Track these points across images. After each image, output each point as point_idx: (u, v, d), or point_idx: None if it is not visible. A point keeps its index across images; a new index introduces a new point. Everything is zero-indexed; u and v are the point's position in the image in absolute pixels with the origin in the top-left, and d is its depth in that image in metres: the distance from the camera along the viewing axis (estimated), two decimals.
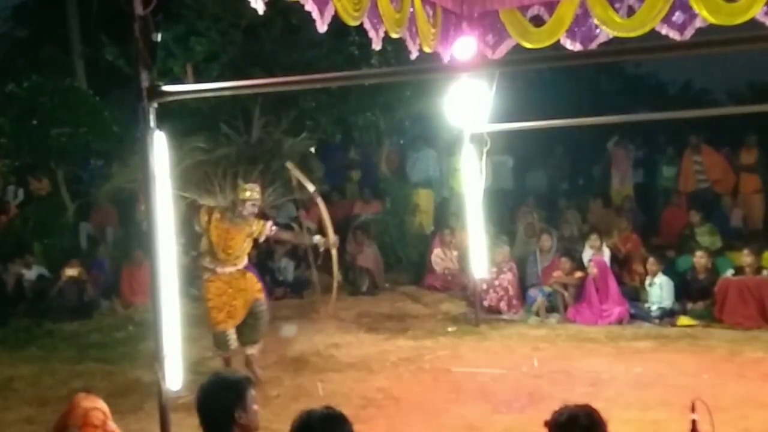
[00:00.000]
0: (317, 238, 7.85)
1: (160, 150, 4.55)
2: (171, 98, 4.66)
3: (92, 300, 11.05)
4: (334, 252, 7.77)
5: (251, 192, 7.30)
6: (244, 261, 7.56)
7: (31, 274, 11.49)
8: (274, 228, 7.61)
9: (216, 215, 7.35)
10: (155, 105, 4.51)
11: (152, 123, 4.51)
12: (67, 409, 3.16)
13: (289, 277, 11.91)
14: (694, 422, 3.54)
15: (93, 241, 13.10)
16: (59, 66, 14.72)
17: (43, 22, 18.05)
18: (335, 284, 8.25)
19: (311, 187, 7.80)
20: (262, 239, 7.63)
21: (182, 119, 12.96)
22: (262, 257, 12.03)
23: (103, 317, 10.81)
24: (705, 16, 7.95)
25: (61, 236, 12.83)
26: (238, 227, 7.36)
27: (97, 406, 3.18)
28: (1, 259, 11.61)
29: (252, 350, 7.58)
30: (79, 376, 8.10)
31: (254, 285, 7.60)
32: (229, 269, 7.41)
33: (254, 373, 7.36)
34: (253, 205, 7.36)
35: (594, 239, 10.56)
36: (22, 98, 12.71)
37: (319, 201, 7.89)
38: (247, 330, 7.52)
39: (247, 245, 7.52)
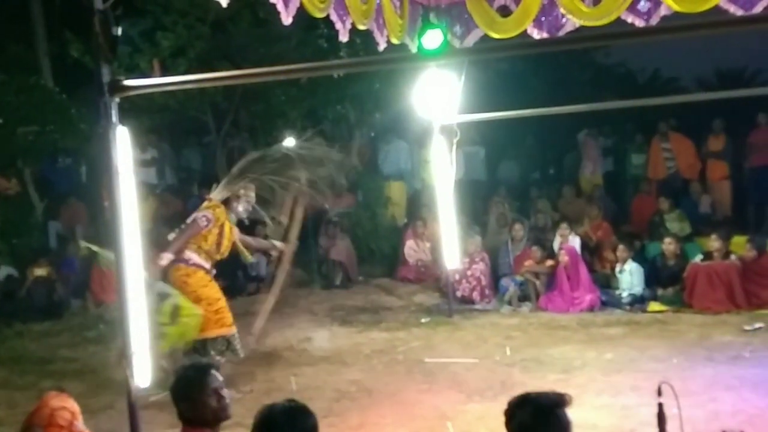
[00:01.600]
0: (279, 245, 7.77)
1: (123, 145, 4.50)
2: (133, 92, 4.62)
3: (62, 299, 10.94)
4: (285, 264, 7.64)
5: (251, 190, 7.24)
6: None
7: None
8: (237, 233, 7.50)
9: (227, 215, 7.20)
10: (117, 100, 4.46)
11: (114, 118, 4.46)
12: (35, 408, 3.12)
13: (262, 272, 11.84)
14: (660, 405, 3.56)
15: (63, 240, 12.95)
16: (24, 63, 14.48)
17: (7, 20, 17.77)
18: (269, 301, 7.98)
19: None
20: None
21: (150, 116, 12.87)
22: (234, 252, 11.94)
23: (74, 317, 10.69)
24: (669, 3, 8.00)
25: (30, 235, 12.65)
26: (231, 227, 7.28)
27: (65, 405, 3.14)
28: None
29: None
30: (49, 376, 8.01)
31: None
32: (212, 271, 7.26)
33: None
34: (248, 203, 7.31)
35: (563, 228, 10.64)
36: None
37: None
38: None
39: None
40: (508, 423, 2.85)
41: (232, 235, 7.34)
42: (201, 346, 6.97)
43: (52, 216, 13.49)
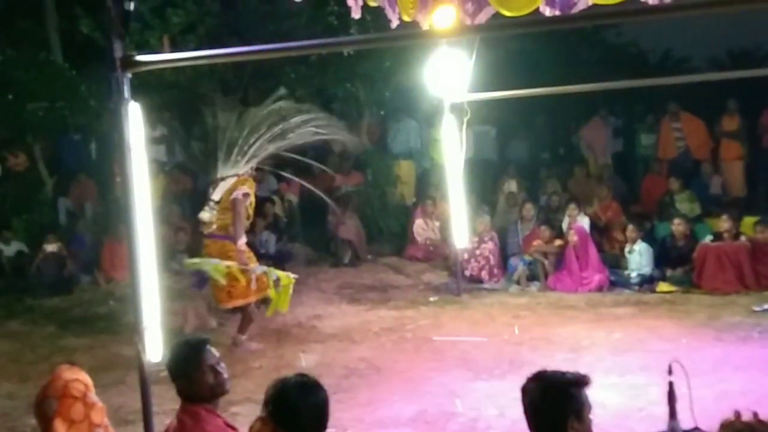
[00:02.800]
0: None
1: (135, 121, 4.49)
2: (145, 68, 4.60)
3: (72, 275, 10.99)
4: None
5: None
6: None
7: (9, 250, 11.42)
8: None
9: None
10: (129, 75, 4.44)
11: (126, 94, 4.44)
12: (48, 381, 3.14)
13: (271, 250, 11.87)
14: (670, 384, 3.57)
15: (72, 216, 12.99)
16: (34, 39, 14.46)
17: None
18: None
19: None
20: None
21: (160, 93, 12.85)
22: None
23: (84, 292, 10.76)
24: None
25: (40, 212, 12.70)
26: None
27: (78, 377, 3.15)
28: None
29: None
30: (60, 351, 8.08)
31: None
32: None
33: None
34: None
35: (572, 208, 10.62)
36: None
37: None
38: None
39: None
40: (523, 399, 2.85)
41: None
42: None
43: (62, 192, 13.53)
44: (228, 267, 7.33)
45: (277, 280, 7.50)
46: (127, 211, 4.50)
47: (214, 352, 3.43)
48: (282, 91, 8.30)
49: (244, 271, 7.36)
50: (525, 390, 2.84)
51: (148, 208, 4.61)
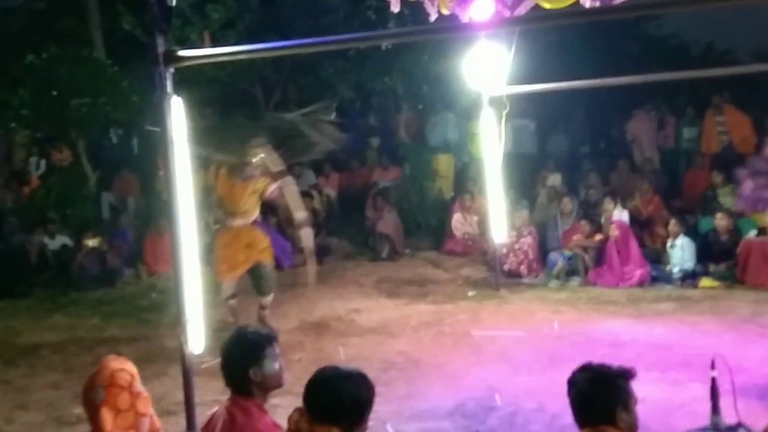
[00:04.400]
0: (301, 215, 7.96)
1: (177, 116, 4.55)
2: (187, 63, 4.66)
3: (115, 268, 11.16)
4: (305, 232, 7.93)
5: (253, 156, 7.57)
6: (253, 216, 7.87)
7: (54, 244, 11.63)
8: (275, 190, 7.76)
9: (223, 170, 7.74)
10: (171, 70, 4.51)
11: (169, 88, 4.51)
12: (96, 370, 3.19)
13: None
14: (713, 379, 3.52)
15: (115, 211, 13.21)
16: (77, 37, 14.72)
17: None
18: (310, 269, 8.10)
19: (278, 169, 7.76)
20: (266, 196, 7.82)
21: (200, 88, 12.98)
22: (283, 225, 12.06)
23: (127, 285, 10.94)
24: None
25: (83, 206, 12.93)
26: (243, 184, 7.68)
27: (124, 367, 3.20)
28: (24, 229, 11.75)
29: (262, 301, 7.95)
30: (103, 342, 8.22)
31: (260, 243, 7.85)
32: (237, 222, 7.78)
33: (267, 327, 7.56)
34: (256, 167, 7.64)
35: (607, 202, 10.53)
36: (42, 69, 12.73)
37: (288, 182, 7.83)
38: (255, 285, 7.98)
39: (253, 201, 7.80)
40: (570, 390, 2.84)
41: (236, 189, 7.86)
42: None
43: (105, 187, 13.75)
44: None
45: None
46: (169, 204, 4.57)
47: (276, 348, 3.38)
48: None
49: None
50: (572, 381, 2.85)
51: (191, 202, 4.68)
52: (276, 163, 7.61)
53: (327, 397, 2.82)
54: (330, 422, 2.79)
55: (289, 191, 7.75)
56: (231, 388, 3.33)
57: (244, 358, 3.28)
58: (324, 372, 2.89)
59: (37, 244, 11.49)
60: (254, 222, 7.89)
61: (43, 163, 14.51)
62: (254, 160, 7.59)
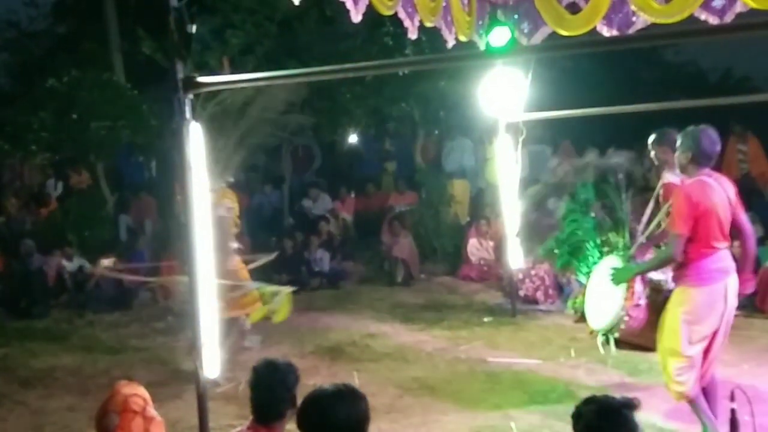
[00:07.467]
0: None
1: (196, 141, 4.59)
2: (206, 89, 4.71)
3: (131, 291, 11.21)
4: None
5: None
6: None
7: (71, 266, 11.69)
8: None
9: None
10: (191, 96, 4.55)
11: (188, 114, 4.55)
12: (109, 396, 3.22)
13: (325, 268, 11.96)
14: (733, 411, 3.50)
15: (132, 234, 13.28)
16: (98, 60, 14.93)
17: (81, 18, 18.34)
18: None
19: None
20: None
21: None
22: (299, 248, 12.10)
23: (143, 308, 10.96)
24: (745, 0, 7.78)
25: (101, 228, 13.02)
26: None
27: (137, 392, 3.23)
28: (42, 251, 11.82)
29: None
30: (119, 365, 8.23)
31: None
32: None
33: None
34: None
35: None
36: (63, 93, 12.90)
37: None
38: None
39: None
40: (575, 424, 2.83)
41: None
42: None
43: (123, 209, 13.86)
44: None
45: (274, 294, 7.94)
46: (186, 228, 4.59)
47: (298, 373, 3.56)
48: None
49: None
50: (578, 414, 2.83)
51: (207, 226, 4.70)
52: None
53: (323, 425, 2.81)
54: None
55: None
56: (257, 417, 3.37)
57: (284, 400, 3.40)
58: (314, 396, 2.86)
59: (55, 265, 11.56)
60: None
61: (61, 185, 14.66)
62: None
